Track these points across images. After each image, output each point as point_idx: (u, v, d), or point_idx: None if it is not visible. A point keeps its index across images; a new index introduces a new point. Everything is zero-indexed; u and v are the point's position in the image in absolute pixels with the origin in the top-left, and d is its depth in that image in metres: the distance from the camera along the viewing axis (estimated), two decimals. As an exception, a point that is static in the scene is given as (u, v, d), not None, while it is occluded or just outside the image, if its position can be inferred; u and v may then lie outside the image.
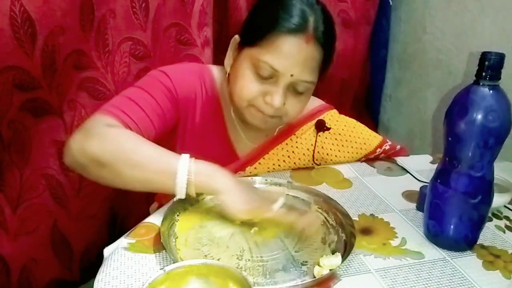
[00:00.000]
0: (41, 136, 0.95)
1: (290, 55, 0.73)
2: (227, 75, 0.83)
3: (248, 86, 0.76)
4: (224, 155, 0.89)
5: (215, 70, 0.89)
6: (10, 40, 0.82)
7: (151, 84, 0.78)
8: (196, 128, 0.85)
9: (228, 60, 0.83)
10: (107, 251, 0.62)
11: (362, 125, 1.00)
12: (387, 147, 0.98)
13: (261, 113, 0.79)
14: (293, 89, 0.77)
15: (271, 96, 0.75)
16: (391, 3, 1.50)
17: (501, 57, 0.56)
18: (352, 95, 1.61)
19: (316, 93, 1.04)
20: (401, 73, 1.58)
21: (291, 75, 0.74)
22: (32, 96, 0.91)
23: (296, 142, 0.93)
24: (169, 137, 0.83)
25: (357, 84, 1.61)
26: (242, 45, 0.79)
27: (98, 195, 1.11)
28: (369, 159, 0.97)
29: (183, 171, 0.62)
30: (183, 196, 0.64)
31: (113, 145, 0.64)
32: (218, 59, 1.17)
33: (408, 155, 1.01)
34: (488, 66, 0.56)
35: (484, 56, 0.57)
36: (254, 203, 0.65)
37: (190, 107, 0.83)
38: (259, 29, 0.75)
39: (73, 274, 1.12)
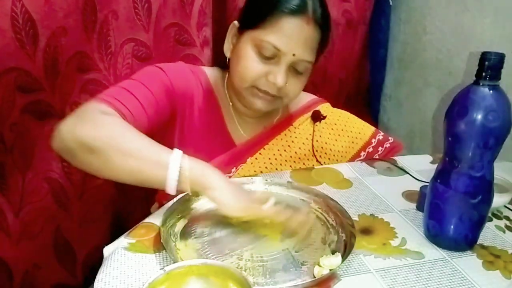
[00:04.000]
0: (44, 139, 0.94)
1: (292, 35, 0.77)
2: (227, 61, 0.86)
3: (251, 66, 0.79)
4: (223, 149, 0.89)
5: (206, 70, 0.91)
6: (11, 41, 0.81)
7: (146, 77, 0.80)
8: (195, 124, 0.86)
9: (227, 45, 0.86)
10: (106, 250, 0.62)
11: (355, 117, 1.04)
12: (381, 137, 1.01)
13: (263, 93, 0.81)
14: (293, 69, 0.81)
15: (274, 75, 0.79)
16: (391, 3, 1.50)
17: (501, 57, 0.56)
18: (351, 95, 1.61)
19: (315, 93, 1.05)
20: (401, 73, 1.58)
21: (293, 55, 0.78)
22: (34, 99, 0.90)
23: (295, 132, 0.95)
24: (167, 132, 0.84)
25: (355, 84, 1.61)
26: (242, 30, 0.82)
27: (101, 198, 1.10)
28: (369, 159, 0.97)
29: (175, 164, 0.61)
30: (173, 192, 0.62)
31: (106, 131, 0.63)
32: (218, 60, 1.17)
33: (402, 149, 1.02)
34: (488, 66, 0.56)
35: (484, 56, 0.57)
36: (246, 201, 0.65)
37: (187, 103, 0.85)
38: (260, 11, 0.78)
39: (76, 278, 1.11)
